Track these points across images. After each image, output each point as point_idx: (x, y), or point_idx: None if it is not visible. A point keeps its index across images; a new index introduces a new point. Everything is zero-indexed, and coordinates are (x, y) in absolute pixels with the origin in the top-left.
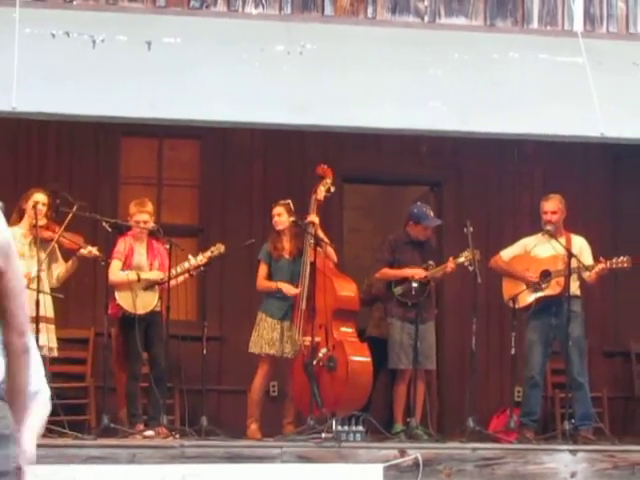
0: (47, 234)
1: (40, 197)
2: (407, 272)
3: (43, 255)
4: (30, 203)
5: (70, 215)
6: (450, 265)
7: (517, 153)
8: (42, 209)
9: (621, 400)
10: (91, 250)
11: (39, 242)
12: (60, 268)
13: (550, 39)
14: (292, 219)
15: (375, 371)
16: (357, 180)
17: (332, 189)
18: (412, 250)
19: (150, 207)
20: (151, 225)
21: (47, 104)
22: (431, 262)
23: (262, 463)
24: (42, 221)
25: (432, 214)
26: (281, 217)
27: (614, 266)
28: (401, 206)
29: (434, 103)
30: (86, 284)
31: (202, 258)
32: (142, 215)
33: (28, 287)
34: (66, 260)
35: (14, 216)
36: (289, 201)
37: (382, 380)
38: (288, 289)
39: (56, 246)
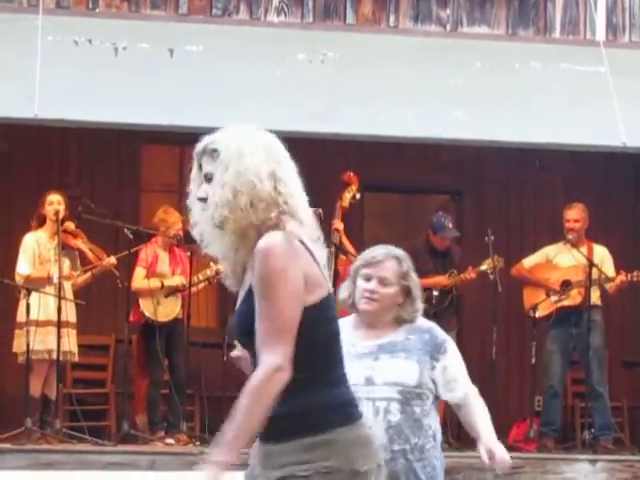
0: (73, 242)
1: (56, 197)
2: (429, 281)
3: (67, 261)
4: (47, 206)
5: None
6: (471, 274)
7: (538, 162)
8: (60, 208)
9: None
10: (109, 262)
11: (62, 247)
12: (72, 280)
13: (572, 48)
14: None
15: None
16: (378, 189)
17: (357, 196)
18: (434, 259)
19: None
20: (173, 233)
21: (69, 111)
22: (454, 271)
23: None
24: (71, 226)
25: (451, 225)
26: None
27: (635, 279)
28: (422, 215)
29: (455, 112)
30: (107, 291)
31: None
32: (176, 221)
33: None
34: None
35: (34, 222)
36: (320, 210)
37: None
38: None
39: (76, 253)
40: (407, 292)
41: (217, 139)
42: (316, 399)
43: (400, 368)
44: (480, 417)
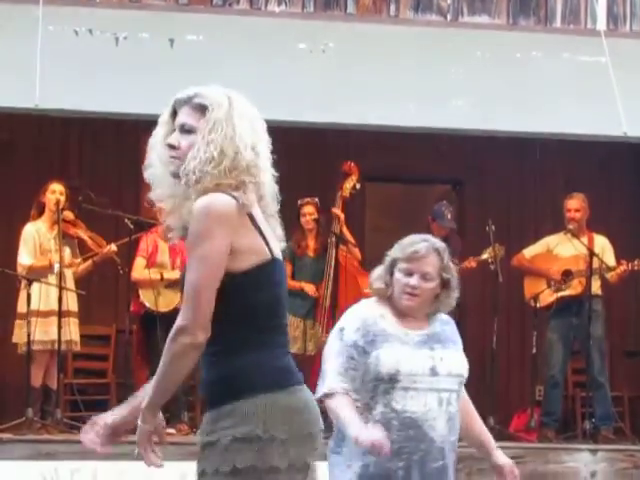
0: (72, 231)
1: (57, 187)
2: None
3: (67, 250)
4: (49, 195)
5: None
6: (471, 263)
7: (539, 152)
8: (61, 198)
9: None
10: (110, 249)
11: (62, 236)
12: (74, 268)
13: (573, 38)
14: (314, 217)
15: None
16: (379, 179)
17: (358, 186)
18: None
19: None
20: None
21: (69, 101)
22: (455, 261)
23: None
24: (70, 215)
25: (450, 216)
26: (312, 215)
27: (636, 268)
28: (422, 205)
29: (456, 102)
30: (108, 281)
31: None
32: None
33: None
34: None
35: (33, 212)
36: (317, 199)
37: None
38: (312, 290)
39: (75, 242)
40: (445, 284)
41: (206, 95)
42: (243, 364)
43: (457, 359)
44: (479, 422)
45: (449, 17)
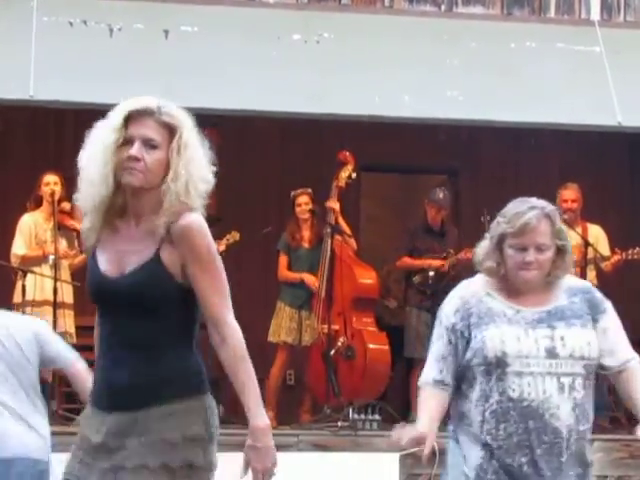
0: (69, 222)
1: (52, 178)
2: (426, 261)
3: (63, 242)
4: (43, 187)
5: None
6: (467, 253)
7: (534, 142)
8: (56, 189)
9: None
10: None
11: (59, 227)
12: (69, 259)
13: (567, 28)
14: (310, 207)
15: (392, 359)
16: (374, 169)
17: (353, 175)
18: (431, 239)
19: None
20: None
21: (64, 92)
22: (451, 251)
23: (278, 451)
24: (67, 206)
25: (442, 196)
26: (308, 205)
27: (630, 257)
28: (418, 195)
29: (451, 92)
30: None
31: (220, 247)
32: None
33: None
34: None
35: (30, 204)
36: (310, 190)
37: (399, 368)
38: (311, 281)
39: (73, 234)
40: (559, 249)
41: (173, 115)
42: (189, 364)
43: (582, 339)
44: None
45: (443, 7)
